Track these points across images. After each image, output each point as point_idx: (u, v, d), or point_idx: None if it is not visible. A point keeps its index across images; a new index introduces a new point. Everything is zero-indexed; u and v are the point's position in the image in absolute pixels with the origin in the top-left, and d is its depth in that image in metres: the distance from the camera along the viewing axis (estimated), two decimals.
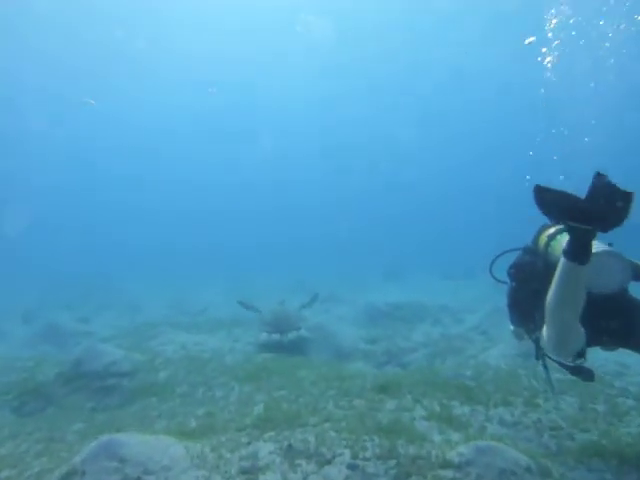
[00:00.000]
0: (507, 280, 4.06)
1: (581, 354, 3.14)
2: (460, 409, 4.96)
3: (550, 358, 3.56)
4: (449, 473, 3.10)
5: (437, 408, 4.98)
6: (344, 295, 18.53)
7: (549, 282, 2.91)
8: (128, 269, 31.95)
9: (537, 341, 3.62)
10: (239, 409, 5.21)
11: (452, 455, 3.29)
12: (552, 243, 3.34)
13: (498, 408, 4.94)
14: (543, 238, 3.52)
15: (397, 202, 62.16)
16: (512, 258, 4.03)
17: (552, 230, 3.45)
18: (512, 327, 4.24)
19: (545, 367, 3.79)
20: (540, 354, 3.71)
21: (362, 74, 52.59)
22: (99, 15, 44.25)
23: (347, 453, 3.43)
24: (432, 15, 43.57)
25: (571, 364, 3.38)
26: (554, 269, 2.87)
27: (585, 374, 3.35)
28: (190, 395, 5.97)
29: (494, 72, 46.61)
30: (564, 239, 2.94)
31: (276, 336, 10.69)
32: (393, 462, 3.30)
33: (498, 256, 4.10)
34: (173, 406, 5.53)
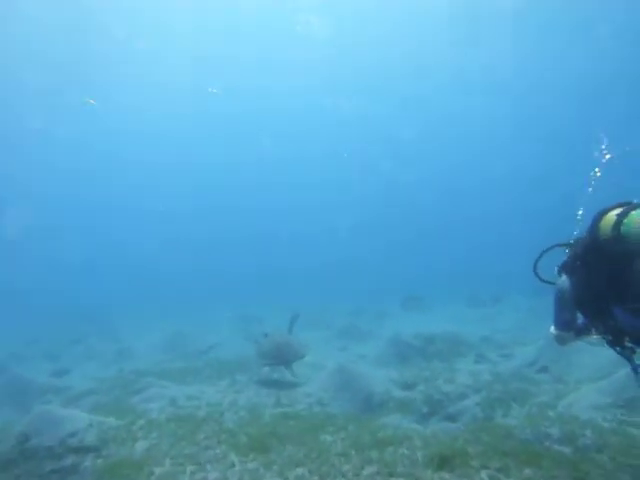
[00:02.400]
0: (553, 280, 3.97)
1: None
2: None
3: (631, 361, 3.55)
4: None
5: None
6: (362, 326, 17.01)
7: (627, 266, 3.04)
8: (126, 302, 30.79)
9: (618, 340, 3.55)
10: None
11: None
12: (626, 221, 3.21)
13: None
14: (609, 220, 3.35)
15: (414, 225, 61.89)
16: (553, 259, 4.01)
17: (618, 210, 3.34)
18: (555, 331, 4.06)
19: (636, 370, 3.56)
20: (629, 356, 3.57)
21: (362, 74, 52.92)
22: (99, 15, 44.72)
23: None
24: (433, 15, 44.06)
25: None
26: (633, 249, 3.01)
27: None
28: (172, 479, 4.48)
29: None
30: None
31: (280, 368, 9.78)
32: None
33: (543, 253, 4.02)
34: None
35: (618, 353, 3.67)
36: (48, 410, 5.83)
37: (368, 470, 4.19)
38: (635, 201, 3.38)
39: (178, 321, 23.39)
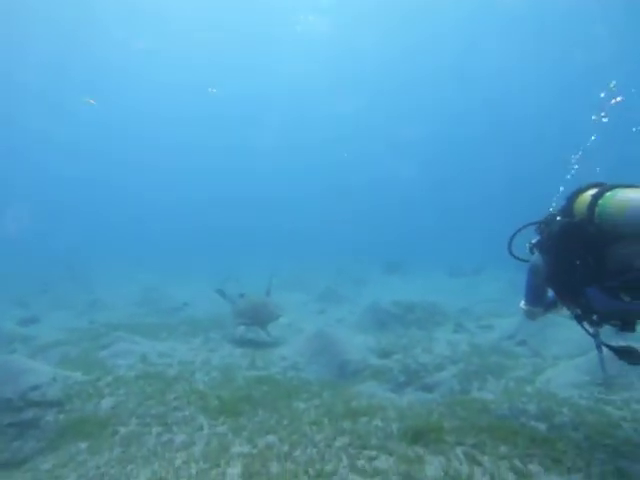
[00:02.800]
0: (527, 258, 4.15)
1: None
2: None
3: (596, 339, 3.81)
4: None
5: (510, 478, 3.42)
6: (342, 291, 16.98)
7: (602, 246, 3.15)
8: (105, 253, 30.43)
9: (586, 316, 3.74)
10: (203, 474, 3.59)
11: None
12: (601, 202, 3.26)
13: None
14: (583, 200, 3.46)
15: (398, 194, 63.62)
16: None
17: (593, 190, 3.43)
18: (525, 306, 4.28)
19: (600, 348, 3.79)
20: (595, 332, 3.78)
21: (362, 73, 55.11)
22: (100, 16, 46.39)
23: None
24: (433, 16, 45.78)
25: (620, 346, 3.60)
26: (610, 229, 3.12)
27: (636, 357, 3.52)
28: (137, 440, 4.35)
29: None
30: (618, 194, 3.14)
31: (255, 328, 10.01)
32: None
33: (517, 232, 4.11)
34: (106, 461, 3.90)
35: (583, 328, 3.88)
36: (10, 360, 5.63)
37: (340, 441, 4.09)
38: (609, 183, 3.48)
39: (155, 276, 23.20)
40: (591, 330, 3.86)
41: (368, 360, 7.78)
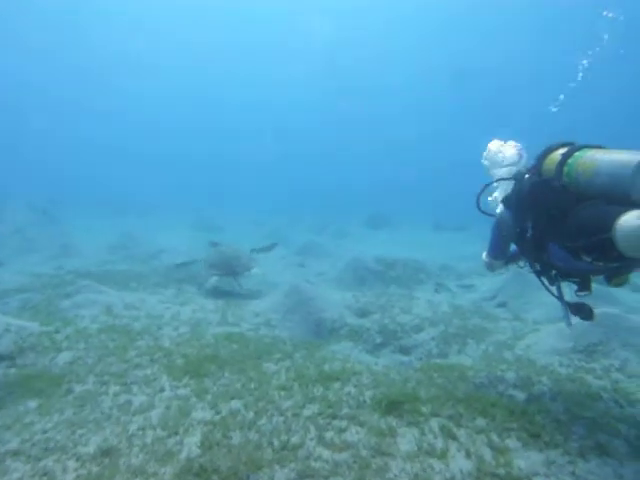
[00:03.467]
0: (494, 213, 4.26)
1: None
2: (524, 456, 3.25)
3: (556, 296, 3.93)
4: None
5: (487, 454, 3.26)
6: (323, 245, 16.72)
7: (568, 205, 3.24)
8: (84, 201, 29.80)
9: (546, 272, 3.87)
10: (159, 443, 3.36)
11: None
12: (570, 161, 3.31)
13: (590, 460, 3.22)
14: (553, 159, 3.51)
15: (384, 151, 64.68)
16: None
17: (563, 149, 3.47)
18: (487, 258, 4.48)
19: (562, 299, 3.91)
20: (557, 282, 3.88)
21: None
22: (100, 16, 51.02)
23: None
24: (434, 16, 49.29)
25: (574, 301, 3.84)
26: (577, 189, 3.24)
27: (586, 312, 3.78)
28: (92, 401, 4.10)
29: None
30: (587, 154, 3.21)
31: (227, 279, 10.05)
32: None
33: (486, 187, 4.23)
34: (55, 424, 3.65)
35: (542, 283, 3.99)
36: None
37: (310, 409, 3.90)
38: (578, 143, 3.52)
39: (133, 222, 22.70)
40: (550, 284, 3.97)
41: (345, 319, 7.60)
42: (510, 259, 4.48)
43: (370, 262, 11.74)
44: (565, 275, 3.79)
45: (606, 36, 5.19)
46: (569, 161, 3.33)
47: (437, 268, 12.31)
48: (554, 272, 3.83)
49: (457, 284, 10.90)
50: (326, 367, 5.08)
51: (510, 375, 4.90)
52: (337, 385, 4.48)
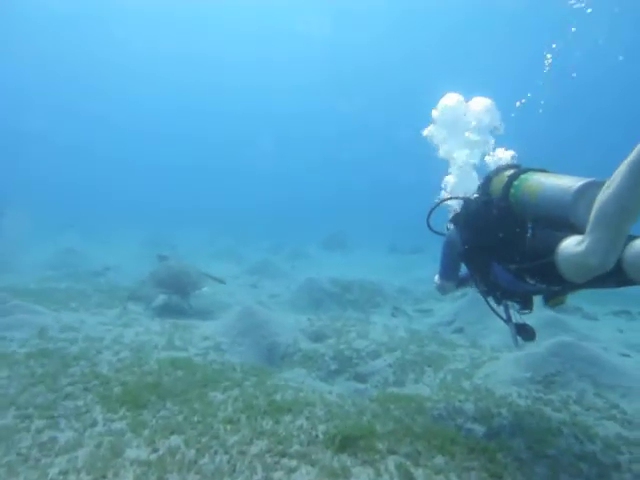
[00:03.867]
0: (444, 232, 4.31)
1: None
2: None
3: (499, 315, 4.11)
4: None
5: None
6: (278, 265, 16.45)
7: (512, 227, 3.35)
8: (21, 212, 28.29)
9: (491, 292, 3.93)
10: None
11: None
12: (516, 183, 3.39)
13: None
14: (500, 180, 3.59)
15: (341, 174, 66.00)
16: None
17: (510, 171, 3.57)
18: (439, 280, 4.48)
19: (509, 320, 4.10)
20: (502, 302, 4.02)
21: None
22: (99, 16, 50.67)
23: None
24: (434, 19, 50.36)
25: (516, 322, 4.02)
26: (521, 210, 3.33)
27: (528, 333, 3.93)
28: (9, 439, 3.65)
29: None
30: (533, 177, 3.29)
31: (176, 298, 9.66)
32: None
33: (436, 206, 4.21)
34: None
35: (487, 304, 4.07)
36: None
37: (258, 446, 3.60)
38: (523, 166, 3.66)
39: (79, 238, 21.75)
40: (496, 305, 4.07)
41: (299, 343, 7.33)
42: (461, 282, 4.52)
43: (326, 284, 11.55)
44: (509, 296, 3.90)
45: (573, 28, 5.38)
46: (515, 183, 3.40)
47: (394, 291, 12.25)
48: (498, 293, 3.90)
49: (414, 308, 10.84)
50: (277, 397, 4.79)
51: (469, 406, 4.76)
52: (288, 417, 4.20)
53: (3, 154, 57.09)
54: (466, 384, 5.60)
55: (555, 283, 3.14)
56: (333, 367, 6.70)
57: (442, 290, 4.60)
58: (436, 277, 4.53)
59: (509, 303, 4.12)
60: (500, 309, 4.16)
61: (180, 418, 4.10)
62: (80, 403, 4.36)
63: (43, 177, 56.03)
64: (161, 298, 9.52)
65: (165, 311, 9.17)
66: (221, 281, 11.40)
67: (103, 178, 60.37)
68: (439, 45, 53.40)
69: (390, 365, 6.62)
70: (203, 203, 51.89)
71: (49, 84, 60.54)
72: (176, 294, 9.60)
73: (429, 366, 6.51)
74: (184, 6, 51.04)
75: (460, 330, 8.77)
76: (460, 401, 4.90)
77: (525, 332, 3.96)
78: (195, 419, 4.09)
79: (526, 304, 3.89)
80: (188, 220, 34.93)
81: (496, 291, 3.89)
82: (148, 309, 9.20)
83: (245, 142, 68.73)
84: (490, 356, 6.68)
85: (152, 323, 8.07)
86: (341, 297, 11.15)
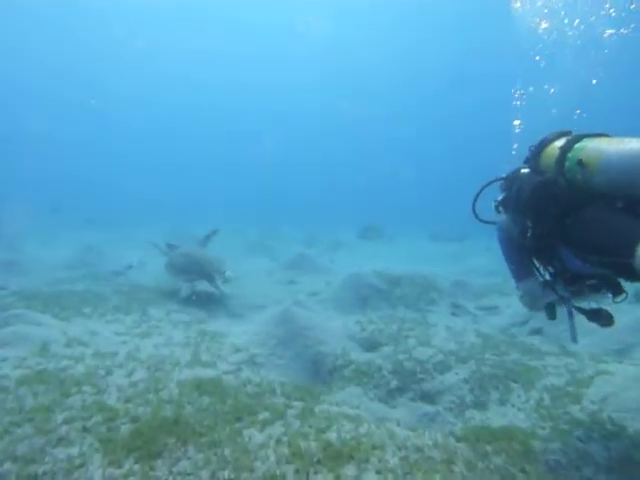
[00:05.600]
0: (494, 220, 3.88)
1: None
2: None
3: (568, 303, 3.51)
4: None
5: None
6: (316, 258, 15.41)
7: (574, 205, 2.96)
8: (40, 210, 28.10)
9: (557, 281, 3.43)
10: None
11: None
12: (570, 155, 3.03)
13: None
14: (550, 153, 3.24)
15: (370, 162, 67.76)
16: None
17: (561, 141, 3.19)
18: (519, 286, 3.78)
19: (571, 313, 3.56)
20: (567, 298, 3.49)
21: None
22: (99, 16, 50.52)
23: None
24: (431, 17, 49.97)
25: (590, 308, 3.43)
26: (583, 188, 2.90)
27: (605, 318, 3.37)
28: None
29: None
30: (590, 144, 2.88)
31: (201, 286, 9.53)
32: None
33: (481, 190, 3.79)
34: None
35: (556, 294, 3.52)
36: None
37: None
38: (574, 132, 3.24)
39: (98, 234, 21.23)
40: (564, 294, 3.52)
41: (349, 354, 6.29)
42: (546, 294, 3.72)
43: (372, 279, 10.45)
44: (587, 277, 3.34)
45: None
46: (569, 155, 3.03)
47: (449, 285, 11.04)
48: (569, 277, 3.39)
49: (477, 305, 9.65)
50: (332, 435, 3.74)
51: (595, 448, 3.61)
52: (351, 470, 3.17)
53: (15, 154, 58.88)
54: (575, 410, 4.43)
55: (633, 279, 2.79)
56: (393, 384, 5.62)
57: (531, 298, 3.82)
58: (516, 285, 3.86)
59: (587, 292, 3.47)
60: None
61: (205, 475, 3.11)
62: (74, 451, 3.41)
63: (58, 175, 57.19)
64: (187, 287, 9.21)
65: (194, 303, 8.96)
66: (215, 232, 11.49)
67: (120, 177, 61.68)
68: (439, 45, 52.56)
69: (465, 380, 5.51)
70: (230, 197, 51.68)
71: (67, 84, 61.54)
72: (201, 279, 9.36)
73: (515, 381, 5.37)
74: (186, 4, 51.15)
75: (538, 331, 7.58)
76: (580, 439, 3.76)
77: (601, 317, 3.40)
78: (225, 475, 3.09)
79: (616, 287, 3.28)
80: (214, 214, 34.36)
81: (566, 275, 3.37)
82: (171, 315, 8.31)
83: (271, 135, 68.86)
84: (596, 369, 5.46)
85: (175, 332, 7.14)
86: (390, 293, 10.03)
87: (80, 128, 65.08)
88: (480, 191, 3.80)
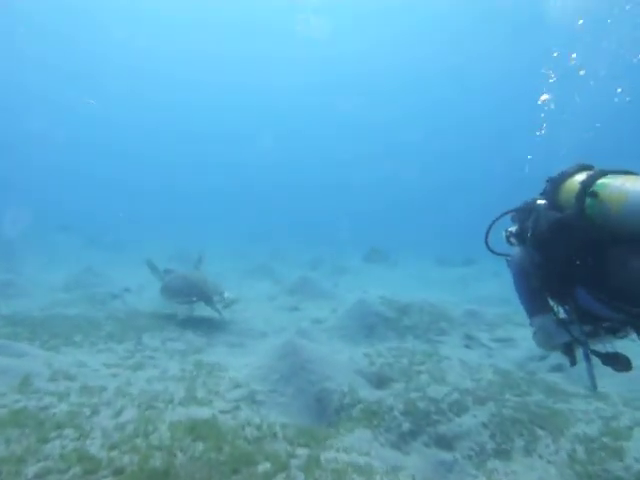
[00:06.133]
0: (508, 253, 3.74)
1: None
2: None
3: (584, 345, 3.17)
4: None
5: None
6: (320, 283, 14.97)
7: (595, 245, 2.77)
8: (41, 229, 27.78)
9: (571, 321, 3.18)
10: None
11: None
12: (592, 191, 2.83)
13: None
14: (570, 188, 3.01)
15: (374, 188, 67.33)
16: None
17: (582, 176, 2.99)
18: (533, 322, 3.44)
19: (588, 357, 3.19)
20: (583, 341, 3.17)
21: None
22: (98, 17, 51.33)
23: None
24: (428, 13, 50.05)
25: (605, 351, 3.13)
26: (604, 228, 2.71)
27: (622, 364, 3.05)
28: None
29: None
30: (614, 182, 2.72)
31: (200, 309, 9.56)
32: None
33: (495, 221, 3.66)
34: None
35: (571, 335, 3.20)
36: None
37: None
38: (596, 167, 3.08)
39: (99, 256, 20.90)
40: (579, 336, 3.19)
41: (357, 391, 5.84)
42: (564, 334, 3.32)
43: (379, 306, 10.01)
44: (604, 320, 3.05)
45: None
46: (599, 182, 2.82)
47: (460, 314, 10.58)
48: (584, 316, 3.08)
49: (491, 337, 9.18)
50: None
51: None
52: None
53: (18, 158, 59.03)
54: (617, 467, 3.97)
55: None
56: (406, 426, 5.17)
57: (545, 335, 3.42)
58: (530, 322, 3.52)
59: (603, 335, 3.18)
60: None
61: None
62: None
63: (67, 186, 57.22)
64: (184, 308, 9.25)
65: (192, 328, 8.78)
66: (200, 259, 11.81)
67: (121, 176, 61.16)
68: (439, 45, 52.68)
69: (484, 425, 5.05)
70: (232, 216, 51.34)
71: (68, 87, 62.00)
72: (197, 301, 9.36)
73: (542, 428, 4.90)
74: (185, 5, 51.81)
75: (559, 368, 7.10)
76: None
77: (617, 362, 3.07)
78: None
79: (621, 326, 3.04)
80: (215, 233, 34.04)
81: (581, 316, 3.09)
82: (168, 344, 7.89)
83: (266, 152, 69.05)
84: (633, 417, 5.00)
85: (170, 362, 6.73)
86: (398, 322, 9.58)
87: (80, 131, 65.22)
88: (493, 223, 3.66)
